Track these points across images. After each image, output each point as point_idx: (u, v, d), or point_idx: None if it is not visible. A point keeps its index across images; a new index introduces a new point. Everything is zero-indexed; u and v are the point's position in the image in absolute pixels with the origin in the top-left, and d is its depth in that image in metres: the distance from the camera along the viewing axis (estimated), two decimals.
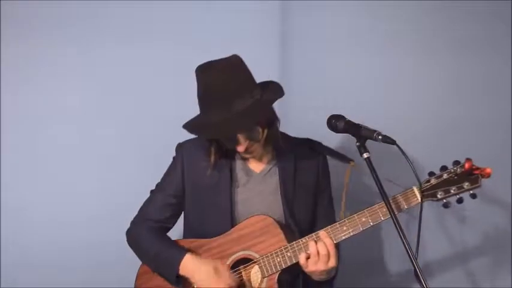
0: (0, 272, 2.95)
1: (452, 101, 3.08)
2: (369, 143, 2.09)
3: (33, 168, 3.01)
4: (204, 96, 2.19)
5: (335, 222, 2.22)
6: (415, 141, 3.01)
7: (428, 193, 2.11)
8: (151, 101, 3.04)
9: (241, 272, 2.30)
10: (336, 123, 2.09)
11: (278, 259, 2.21)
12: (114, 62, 3.03)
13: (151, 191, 2.48)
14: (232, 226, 2.30)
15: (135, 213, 2.48)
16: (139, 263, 2.45)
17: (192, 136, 2.31)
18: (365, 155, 2.03)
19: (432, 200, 2.13)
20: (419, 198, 2.10)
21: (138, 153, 3.04)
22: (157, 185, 2.47)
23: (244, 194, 2.35)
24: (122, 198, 2.98)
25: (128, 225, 2.50)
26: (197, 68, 2.22)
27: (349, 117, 2.18)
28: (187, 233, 2.44)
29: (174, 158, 2.45)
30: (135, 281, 2.45)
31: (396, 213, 2.04)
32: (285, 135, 2.44)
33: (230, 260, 2.29)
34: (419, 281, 1.82)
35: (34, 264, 2.96)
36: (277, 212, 2.32)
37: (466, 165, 2.08)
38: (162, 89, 3.05)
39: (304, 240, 2.20)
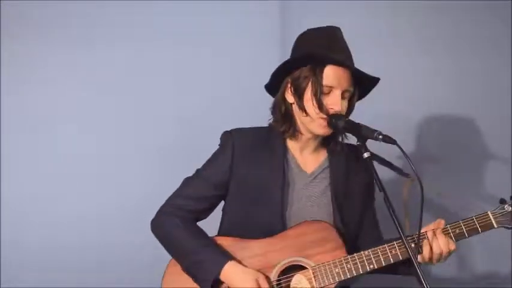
0: (0, 272, 2.95)
1: (452, 100, 3.08)
2: (369, 143, 2.08)
3: (33, 168, 3.01)
4: (330, 40, 2.18)
5: (380, 232, 2.27)
6: (414, 141, 3.03)
7: (504, 219, 2.14)
8: (151, 101, 3.04)
9: (288, 280, 2.11)
10: (336, 122, 2.08)
11: (336, 270, 2.07)
12: (114, 62, 3.03)
13: (188, 178, 2.23)
14: (283, 227, 2.14)
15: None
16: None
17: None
18: (365, 155, 2.03)
19: (507, 228, 2.15)
20: (494, 224, 2.14)
21: (138, 153, 3.04)
22: (197, 172, 2.22)
23: (294, 194, 2.19)
24: (121, 199, 2.98)
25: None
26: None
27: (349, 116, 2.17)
28: (226, 228, 2.23)
29: (221, 145, 2.23)
30: (162, 279, 2.17)
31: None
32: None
33: (276, 269, 2.10)
34: (420, 281, 1.82)
35: (34, 264, 2.95)
36: (327, 218, 2.18)
37: None
38: (162, 89, 3.05)
39: (366, 253, 2.07)
